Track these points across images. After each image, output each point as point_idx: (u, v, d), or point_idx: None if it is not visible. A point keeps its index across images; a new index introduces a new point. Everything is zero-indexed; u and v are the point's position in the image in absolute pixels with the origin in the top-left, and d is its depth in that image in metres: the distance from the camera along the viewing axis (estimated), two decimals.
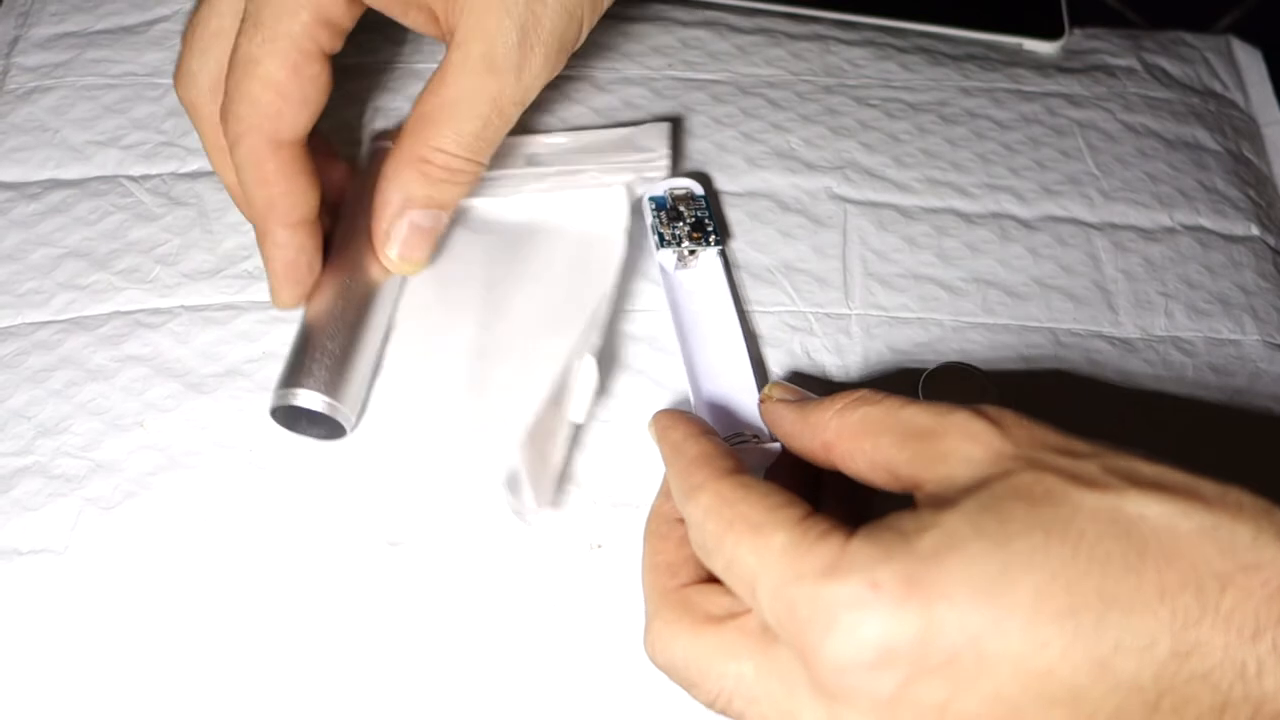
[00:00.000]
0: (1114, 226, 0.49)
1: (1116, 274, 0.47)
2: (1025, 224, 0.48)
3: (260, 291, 0.44)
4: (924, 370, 0.44)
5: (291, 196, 0.39)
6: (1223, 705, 0.27)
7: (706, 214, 0.46)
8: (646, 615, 0.34)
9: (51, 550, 0.39)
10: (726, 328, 0.44)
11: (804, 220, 0.48)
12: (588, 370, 0.41)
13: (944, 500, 0.30)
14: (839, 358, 0.44)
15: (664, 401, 0.43)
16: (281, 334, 0.43)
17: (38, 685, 0.37)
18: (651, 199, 0.46)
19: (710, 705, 0.32)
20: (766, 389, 0.39)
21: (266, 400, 0.40)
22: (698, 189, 0.46)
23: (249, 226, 0.46)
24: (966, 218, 0.48)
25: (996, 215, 0.49)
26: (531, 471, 0.39)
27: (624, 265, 0.44)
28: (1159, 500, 0.28)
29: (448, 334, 0.42)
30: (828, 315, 0.45)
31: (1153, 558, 0.27)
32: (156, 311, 0.44)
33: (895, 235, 0.48)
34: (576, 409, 0.41)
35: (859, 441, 0.33)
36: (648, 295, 0.45)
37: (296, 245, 0.40)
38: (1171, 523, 0.28)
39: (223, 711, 0.37)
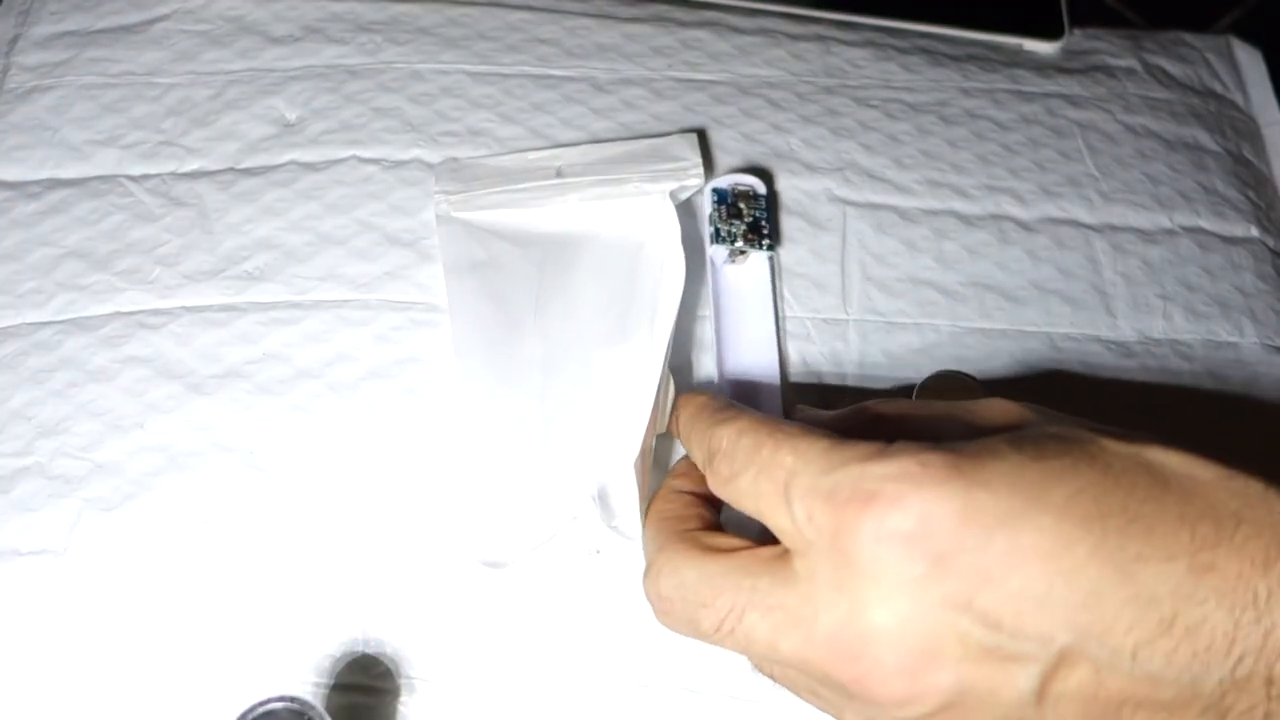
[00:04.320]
0: (1113, 228, 0.49)
1: (1115, 277, 0.48)
2: (1024, 226, 0.48)
3: (260, 293, 0.45)
4: (920, 377, 0.44)
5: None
6: (1234, 628, 0.28)
7: (764, 216, 0.46)
8: (648, 556, 0.34)
9: (51, 551, 0.39)
10: (762, 330, 0.44)
11: (803, 223, 0.48)
12: (668, 382, 0.41)
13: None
14: (835, 365, 0.44)
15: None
16: (282, 336, 0.43)
17: (37, 685, 0.37)
18: (715, 190, 0.47)
19: (716, 628, 0.31)
20: (795, 408, 0.40)
21: (267, 401, 0.40)
22: (761, 188, 0.47)
23: (249, 227, 0.46)
24: (966, 220, 0.48)
25: (996, 217, 0.49)
26: (637, 484, 0.38)
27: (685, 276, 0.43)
28: (1179, 453, 0.30)
29: (510, 348, 0.42)
30: (824, 321, 0.45)
31: (1174, 491, 0.29)
32: (157, 312, 0.44)
33: (894, 238, 0.48)
34: (660, 420, 0.41)
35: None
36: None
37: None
38: (1190, 470, 0.29)
39: (222, 712, 0.37)
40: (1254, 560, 0.28)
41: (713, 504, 0.36)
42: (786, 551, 0.31)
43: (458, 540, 0.40)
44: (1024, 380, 0.44)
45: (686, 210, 0.47)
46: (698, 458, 0.35)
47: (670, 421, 0.39)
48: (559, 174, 0.47)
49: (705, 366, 0.44)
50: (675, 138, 0.48)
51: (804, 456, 0.30)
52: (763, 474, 0.31)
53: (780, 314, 0.45)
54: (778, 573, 0.31)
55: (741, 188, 0.47)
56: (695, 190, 0.47)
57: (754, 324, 0.45)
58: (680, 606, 0.32)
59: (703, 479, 0.35)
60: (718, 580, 0.32)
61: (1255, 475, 0.29)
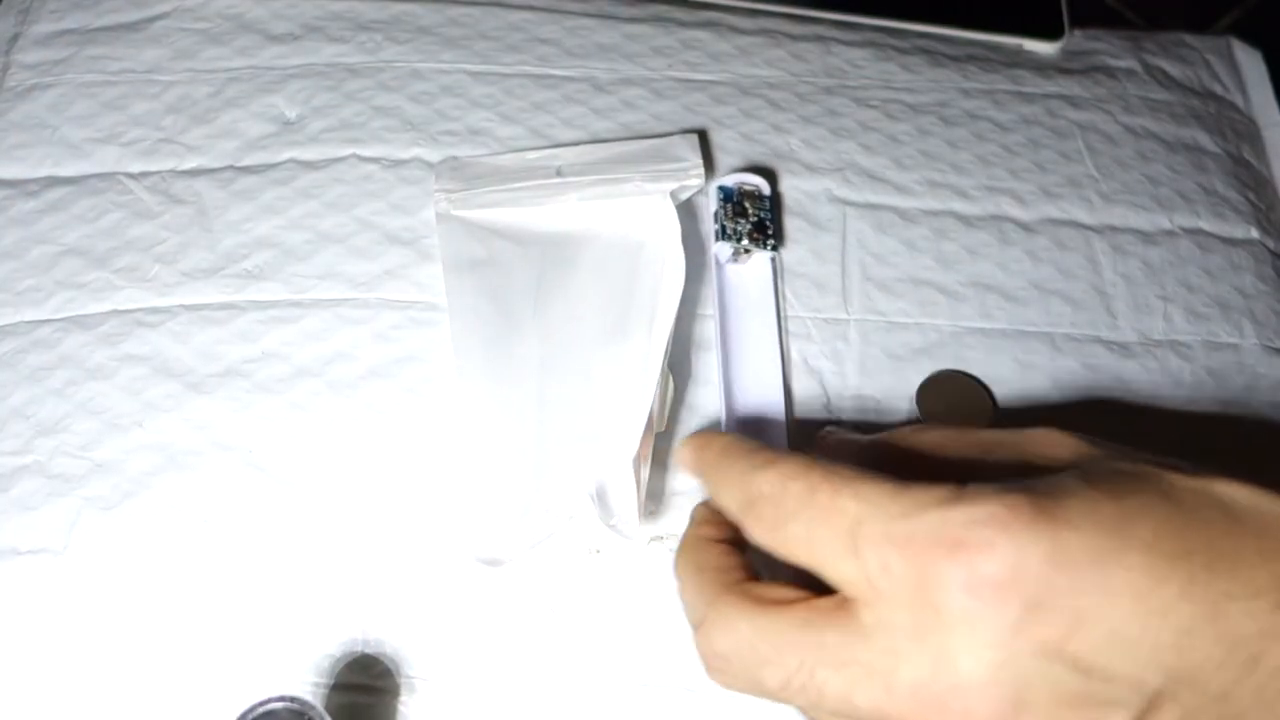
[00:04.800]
0: (1113, 229, 0.49)
1: (1115, 277, 0.47)
2: (1024, 227, 0.48)
3: (259, 291, 0.44)
4: (921, 377, 0.44)
5: None
6: None
7: (769, 215, 0.46)
8: (698, 616, 0.32)
9: (50, 550, 0.39)
10: (765, 329, 0.44)
11: (803, 223, 0.48)
12: (668, 381, 0.41)
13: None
14: (835, 364, 0.44)
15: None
16: (281, 334, 0.43)
17: (37, 685, 0.37)
18: (720, 188, 0.47)
19: (783, 687, 0.30)
20: (821, 433, 0.39)
21: (266, 400, 0.40)
22: (765, 189, 0.47)
23: (248, 225, 0.46)
24: (966, 220, 0.48)
25: (996, 218, 0.49)
26: (636, 483, 0.38)
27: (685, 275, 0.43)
28: (1246, 488, 0.29)
29: (508, 346, 0.42)
30: (825, 321, 0.45)
31: (1248, 525, 0.28)
32: (155, 310, 0.44)
33: (894, 238, 0.48)
34: (660, 419, 0.40)
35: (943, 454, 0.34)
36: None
37: None
38: (1258, 505, 0.29)
39: (222, 712, 0.37)
40: None
41: (743, 549, 0.34)
42: (847, 601, 0.29)
43: (456, 538, 0.40)
44: (1025, 381, 0.44)
45: (687, 211, 0.47)
46: (730, 502, 0.33)
47: (681, 454, 0.36)
48: (559, 173, 0.47)
49: (704, 366, 0.44)
50: (676, 138, 0.48)
51: (871, 502, 0.29)
52: (818, 521, 0.29)
53: (782, 313, 0.45)
54: (844, 625, 0.29)
55: (748, 187, 0.47)
56: (696, 190, 0.47)
57: (757, 322, 0.45)
58: (739, 665, 0.31)
59: (729, 525, 0.33)
60: (776, 638, 0.30)
61: None
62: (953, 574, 0.27)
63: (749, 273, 0.46)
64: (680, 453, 0.36)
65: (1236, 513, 0.28)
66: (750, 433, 0.42)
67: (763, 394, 0.43)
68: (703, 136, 0.49)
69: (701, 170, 0.47)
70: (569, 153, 0.48)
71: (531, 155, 0.48)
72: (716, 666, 0.31)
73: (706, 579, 0.33)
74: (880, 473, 0.30)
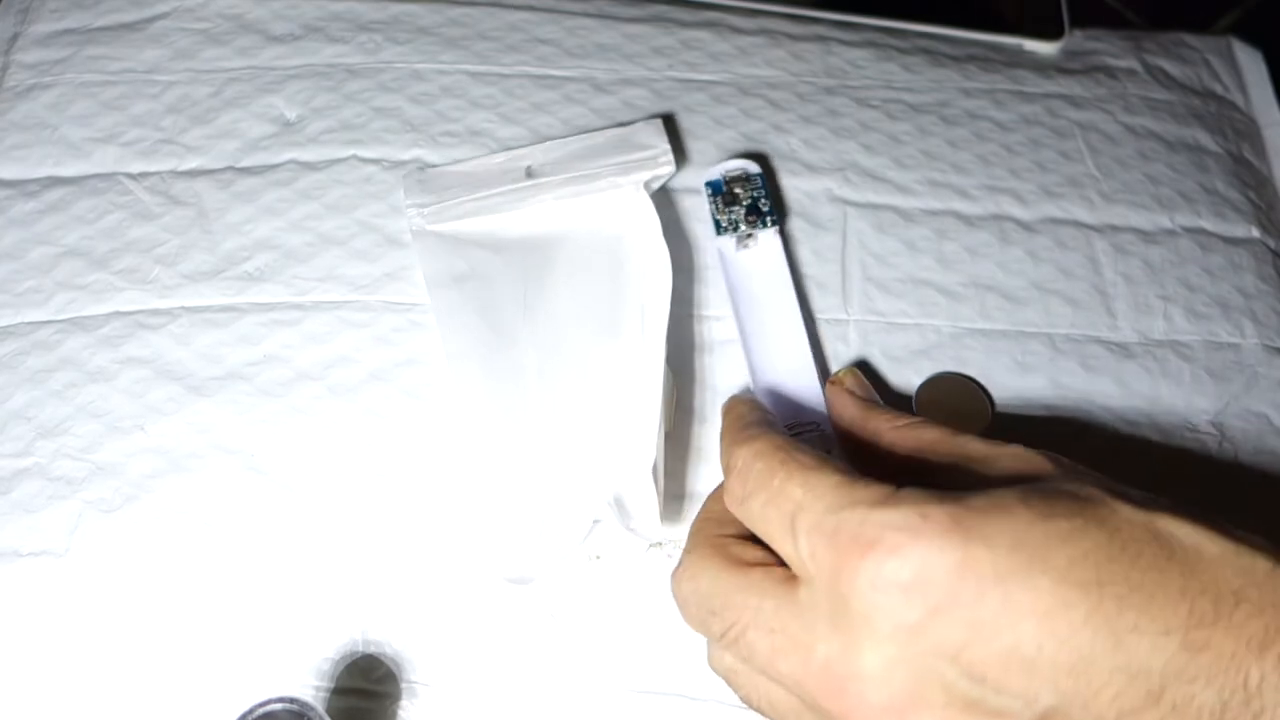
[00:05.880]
0: (1114, 229, 0.49)
1: (1116, 277, 0.47)
2: (1025, 226, 0.48)
3: (260, 293, 0.44)
4: (921, 378, 0.44)
5: None
6: (1221, 709, 0.28)
7: (762, 194, 0.46)
8: (682, 553, 0.35)
9: (52, 553, 0.39)
10: (785, 309, 0.44)
11: (803, 223, 0.48)
12: (667, 379, 0.41)
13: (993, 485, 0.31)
14: (835, 365, 0.44)
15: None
16: (282, 337, 0.43)
17: (37, 687, 0.38)
18: (708, 184, 0.46)
19: (722, 637, 0.33)
20: (842, 373, 0.41)
21: (268, 403, 0.40)
22: (753, 168, 0.47)
23: (249, 227, 0.46)
24: (966, 220, 0.48)
25: (997, 217, 0.49)
26: (656, 487, 0.38)
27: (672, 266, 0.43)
28: (1190, 524, 0.30)
29: (502, 357, 0.42)
30: (825, 321, 0.45)
31: (1178, 563, 0.29)
32: (156, 313, 0.44)
33: (895, 239, 0.48)
34: (667, 418, 0.40)
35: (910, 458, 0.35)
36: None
37: None
38: (1198, 543, 0.29)
39: (222, 712, 0.37)
40: (1250, 641, 0.28)
41: None
42: (793, 576, 0.32)
43: (479, 559, 0.40)
44: (1024, 382, 0.44)
45: (665, 199, 0.47)
46: (722, 468, 0.36)
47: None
48: (529, 174, 0.46)
49: (705, 366, 0.44)
50: (640, 125, 0.48)
51: (813, 491, 0.31)
52: (771, 502, 0.32)
53: (801, 283, 0.45)
54: (784, 596, 0.31)
55: (733, 173, 0.47)
56: (668, 178, 0.47)
57: (776, 302, 0.44)
58: (694, 610, 0.34)
59: None
60: (728, 594, 0.33)
61: (1264, 551, 0.29)
62: (863, 571, 0.29)
63: (759, 256, 0.45)
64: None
65: (1173, 548, 0.29)
66: (778, 401, 0.42)
67: (791, 364, 0.43)
68: (669, 121, 0.49)
69: (670, 157, 0.46)
70: (536, 151, 0.47)
71: (499, 158, 0.47)
72: (680, 607, 0.35)
73: (702, 528, 0.36)
74: (838, 463, 0.32)
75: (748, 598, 0.32)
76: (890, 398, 0.44)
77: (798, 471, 0.32)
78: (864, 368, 0.44)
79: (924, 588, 0.28)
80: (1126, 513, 0.30)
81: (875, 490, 0.30)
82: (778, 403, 0.42)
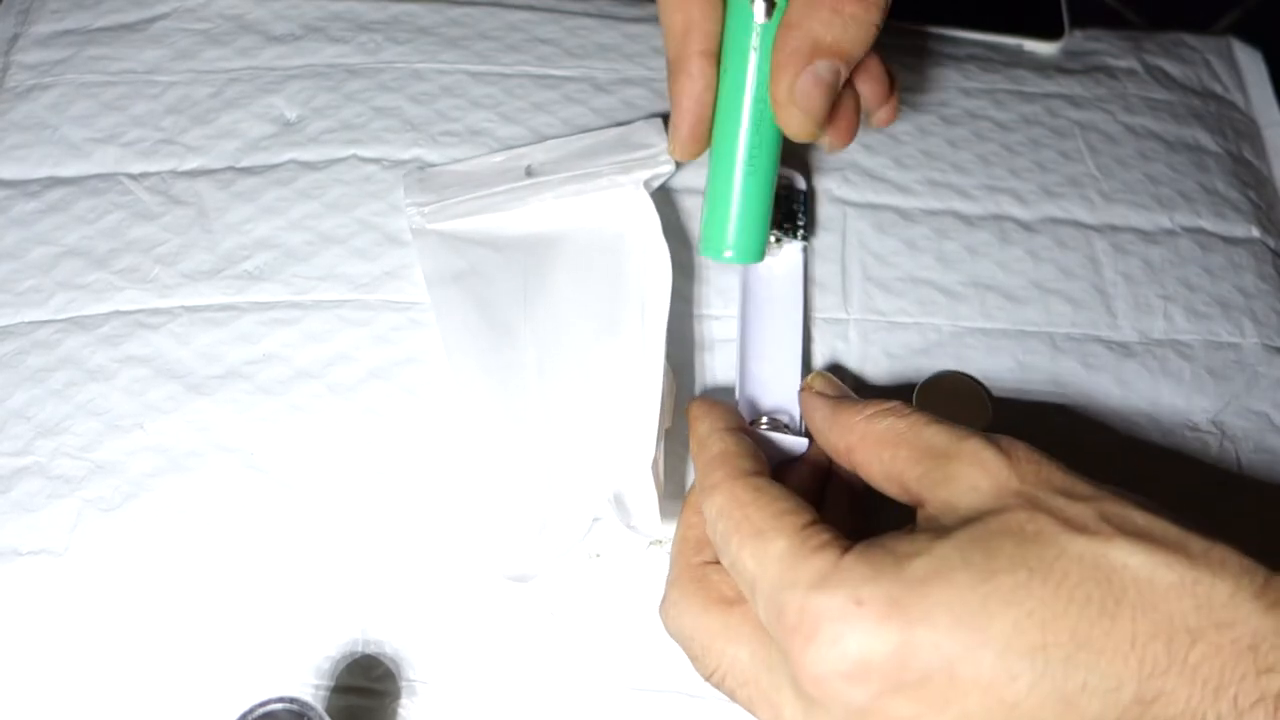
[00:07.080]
0: (1114, 228, 0.49)
1: (1116, 277, 0.48)
2: (1025, 226, 0.48)
3: (260, 292, 0.44)
4: (921, 377, 0.44)
5: (709, 23, 0.39)
6: None
7: (802, 209, 0.46)
8: (667, 583, 0.36)
9: (51, 551, 0.39)
10: (788, 319, 0.44)
11: None
12: (669, 378, 0.41)
13: (940, 527, 0.31)
14: (836, 364, 0.44)
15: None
16: (281, 335, 0.43)
17: (37, 685, 0.38)
18: None
19: (708, 679, 0.34)
20: (810, 378, 0.41)
21: (267, 402, 0.40)
22: (800, 183, 0.47)
23: (249, 226, 0.46)
24: (966, 220, 0.48)
25: (997, 217, 0.49)
26: (656, 485, 0.38)
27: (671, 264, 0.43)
28: (1144, 550, 0.29)
29: (503, 355, 0.42)
30: (825, 321, 0.45)
31: (1129, 605, 0.28)
32: (156, 312, 0.44)
33: (895, 238, 0.48)
34: (666, 416, 0.40)
35: (879, 450, 0.35)
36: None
37: (706, 81, 0.40)
38: (1152, 574, 0.29)
39: (222, 712, 0.37)
40: (1205, 685, 0.28)
41: None
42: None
43: (465, 547, 0.40)
44: (1024, 382, 0.44)
45: (665, 199, 0.47)
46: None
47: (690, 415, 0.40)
48: (529, 173, 0.46)
49: (705, 367, 0.44)
50: (640, 124, 0.48)
51: (760, 565, 0.32)
52: (733, 566, 0.33)
53: (809, 305, 0.45)
54: (758, 646, 0.33)
55: (781, 180, 0.46)
56: (668, 176, 0.47)
57: (781, 311, 0.44)
58: (684, 645, 0.35)
59: None
60: (706, 640, 0.34)
61: (1224, 571, 0.29)
62: (807, 658, 0.30)
63: (778, 262, 0.45)
64: (686, 412, 0.40)
65: (1124, 584, 0.28)
66: (761, 398, 0.42)
67: (779, 369, 0.43)
68: (667, 119, 0.49)
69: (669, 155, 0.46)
70: (536, 150, 0.47)
71: (498, 157, 0.47)
72: (671, 638, 0.36)
73: (679, 550, 0.37)
74: (794, 511, 0.33)
75: (725, 645, 0.33)
76: (890, 397, 0.43)
77: (749, 540, 0.32)
78: (863, 368, 0.44)
79: (865, 675, 0.29)
80: (1076, 548, 0.29)
81: (815, 566, 0.30)
82: (758, 395, 0.42)
